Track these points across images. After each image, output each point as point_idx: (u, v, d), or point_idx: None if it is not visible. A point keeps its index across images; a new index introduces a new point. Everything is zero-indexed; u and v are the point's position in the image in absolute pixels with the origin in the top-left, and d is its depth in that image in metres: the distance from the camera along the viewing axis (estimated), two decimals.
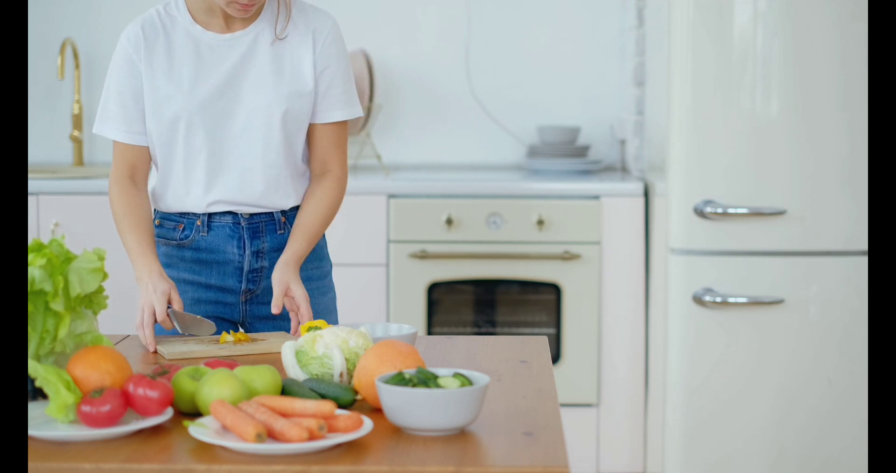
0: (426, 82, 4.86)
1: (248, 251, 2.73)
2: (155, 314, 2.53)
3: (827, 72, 3.76)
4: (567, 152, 4.67)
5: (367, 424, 1.88)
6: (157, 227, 2.76)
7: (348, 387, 2.05)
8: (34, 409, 1.98)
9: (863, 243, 3.78)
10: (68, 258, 2.04)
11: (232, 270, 2.73)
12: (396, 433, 1.91)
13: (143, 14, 2.70)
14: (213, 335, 2.62)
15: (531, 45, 4.86)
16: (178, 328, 2.54)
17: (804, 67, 3.76)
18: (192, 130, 2.66)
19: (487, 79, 4.86)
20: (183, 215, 2.73)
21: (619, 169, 4.79)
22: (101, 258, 2.06)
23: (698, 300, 3.81)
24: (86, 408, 1.89)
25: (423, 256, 4.25)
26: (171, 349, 2.45)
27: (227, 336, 2.53)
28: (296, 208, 2.76)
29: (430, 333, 4.31)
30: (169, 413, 1.95)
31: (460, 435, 1.90)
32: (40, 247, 2.01)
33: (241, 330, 2.77)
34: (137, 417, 1.95)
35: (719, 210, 3.79)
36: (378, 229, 4.27)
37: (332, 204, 2.73)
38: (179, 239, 2.73)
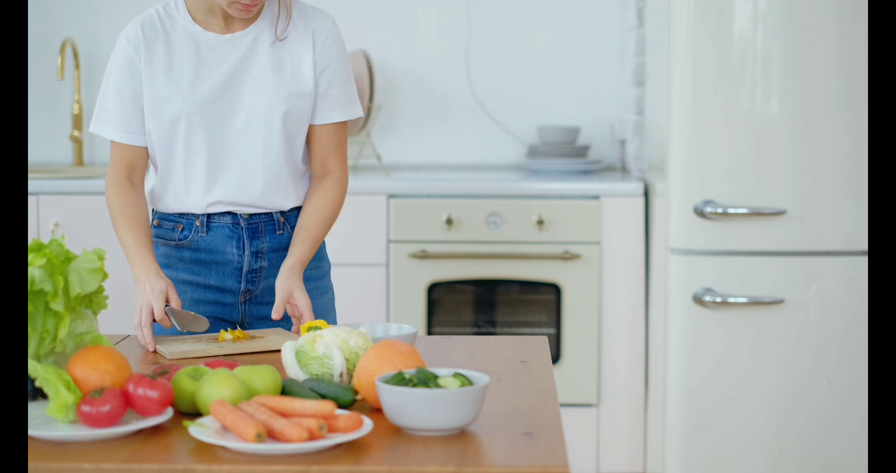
0: (426, 82, 4.87)
1: (247, 252, 2.72)
2: (153, 314, 2.53)
3: (827, 72, 3.76)
4: (567, 152, 4.67)
5: (367, 424, 1.88)
6: (155, 227, 2.75)
7: (348, 387, 2.05)
8: (34, 409, 1.98)
9: (863, 243, 3.78)
10: (68, 258, 2.04)
11: (231, 270, 2.73)
12: (396, 433, 1.91)
13: (142, 14, 2.70)
14: (209, 332, 2.62)
15: (531, 45, 4.86)
16: (177, 326, 2.54)
17: (804, 67, 3.76)
18: (192, 131, 2.66)
19: (487, 79, 4.86)
20: (182, 215, 2.73)
21: (619, 169, 4.79)
22: (101, 258, 2.06)
23: (698, 300, 3.81)
24: (86, 408, 1.89)
25: (423, 256, 4.25)
26: (171, 349, 2.45)
27: (226, 334, 2.53)
28: (295, 209, 2.76)
29: (430, 333, 4.31)
30: (169, 413, 1.95)
31: (460, 435, 1.90)
32: (40, 247, 2.01)
33: (239, 328, 2.77)
34: (137, 417, 1.95)
35: (719, 210, 3.79)
36: (378, 229, 4.27)
37: (333, 206, 2.73)
38: (178, 239, 2.73)
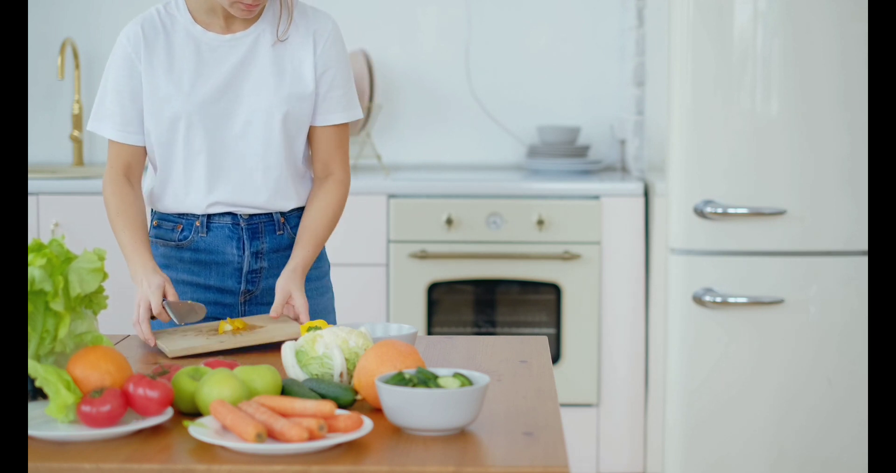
0: (426, 82, 4.87)
1: (247, 252, 2.72)
2: (151, 309, 2.53)
3: (827, 72, 3.76)
4: (567, 152, 4.67)
5: (367, 424, 1.88)
6: (155, 228, 2.75)
7: (348, 387, 2.05)
8: (34, 409, 1.98)
9: (863, 243, 3.78)
10: (68, 258, 2.04)
11: (231, 271, 2.73)
12: (396, 433, 1.91)
13: (142, 13, 2.69)
14: (207, 322, 2.62)
15: (531, 45, 4.86)
16: (175, 320, 2.54)
17: (804, 67, 3.76)
18: (192, 131, 2.65)
19: (487, 79, 4.86)
20: (182, 215, 2.72)
21: (619, 169, 4.79)
22: (101, 258, 2.06)
23: (698, 300, 3.81)
24: (86, 408, 1.89)
25: (423, 256, 4.25)
26: (172, 346, 2.45)
27: (226, 325, 2.53)
28: (296, 210, 2.76)
29: (430, 333, 4.31)
30: (169, 413, 1.95)
31: (460, 435, 1.90)
32: (40, 247, 2.01)
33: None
34: (137, 417, 1.95)
35: (719, 210, 3.79)
36: (378, 229, 4.27)
37: (336, 208, 2.73)
38: (178, 240, 2.73)
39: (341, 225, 3.94)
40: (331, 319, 2.80)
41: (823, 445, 3.82)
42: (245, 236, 2.72)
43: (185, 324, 2.58)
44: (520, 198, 4.28)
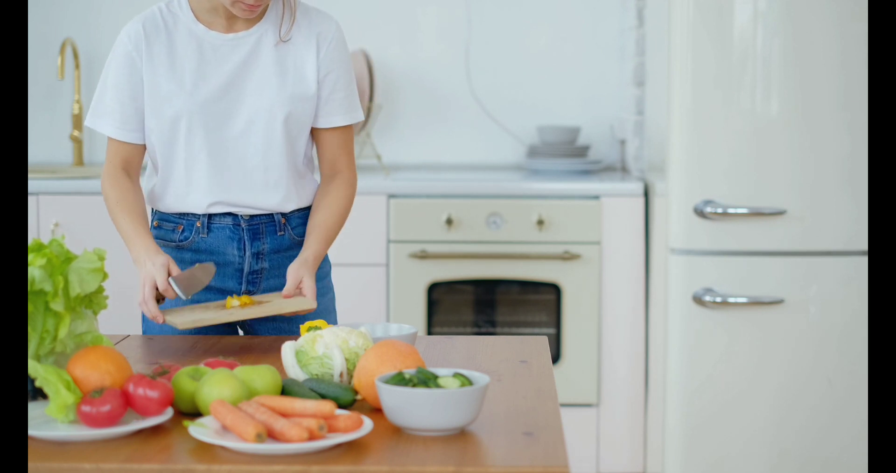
0: (426, 82, 4.86)
1: (248, 253, 2.72)
2: (157, 287, 2.53)
3: (827, 72, 3.76)
4: (567, 152, 4.67)
5: (367, 424, 1.88)
6: (155, 229, 2.75)
7: (348, 387, 2.05)
8: (34, 409, 1.98)
9: (863, 243, 3.78)
10: (68, 258, 2.04)
11: (232, 272, 2.73)
12: (396, 433, 1.91)
13: (144, 12, 2.69)
14: (215, 302, 2.63)
15: (531, 45, 4.86)
16: (182, 295, 2.54)
17: (804, 67, 3.76)
18: (193, 130, 2.65)
19: (487, 79, 4.86)
20: (182, 215, 2.72)
21: (619, 169, 4.79)
22: (101, 258, 2.06)
23: (698, 300, 3.81)
24: (86, 408, 1.89)
25: (423, 256, 4.25)
26: (182, 319, 2.45)
27: (233, 301, 2.54)
28: (297, 210, 2.75)
29: (430, 333, 4.31)
30: (169, 413, 1.95)
31: (460, 435, 1.90)
32: (40, 247, 2.01)
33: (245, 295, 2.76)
34: (137, 417, 1.95)
35: (719, 210, 3.79)
36: (378, 229, 4.27)
37: (345, 205, 2.74)
38: (179, 241, 2.73)
39: None
40: (331, 319, 2.80)
41: (824, 445, 3.81)
42: (246, 237, 2.72)
43: (193, 302, 2.59)
44: (520, 198, 4.28)
